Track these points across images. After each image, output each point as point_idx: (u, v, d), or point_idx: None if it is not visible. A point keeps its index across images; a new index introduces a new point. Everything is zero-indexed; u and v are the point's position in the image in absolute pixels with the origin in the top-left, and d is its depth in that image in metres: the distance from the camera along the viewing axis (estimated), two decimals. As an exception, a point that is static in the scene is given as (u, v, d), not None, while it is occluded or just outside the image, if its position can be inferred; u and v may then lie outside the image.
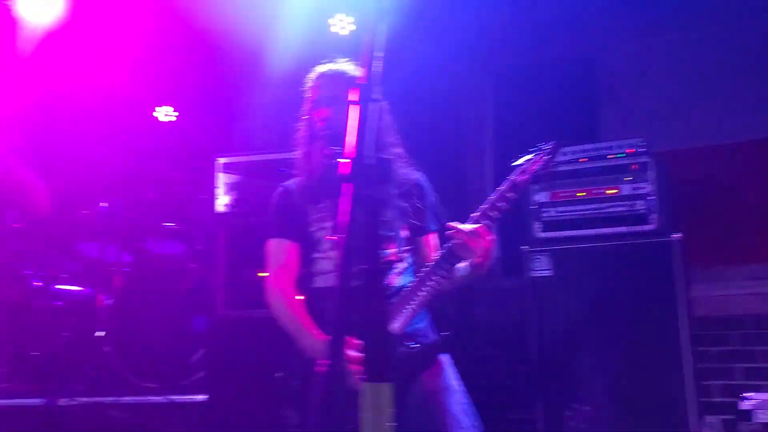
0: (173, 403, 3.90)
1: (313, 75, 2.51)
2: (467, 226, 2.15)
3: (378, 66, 1.35)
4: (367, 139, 1.28)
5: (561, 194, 3.61)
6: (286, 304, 2.33)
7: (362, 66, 1.34)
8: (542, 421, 3.42)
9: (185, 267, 4.71)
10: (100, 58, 5.25)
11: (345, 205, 1.24)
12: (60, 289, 4.93)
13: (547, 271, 3.54)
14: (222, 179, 3.87)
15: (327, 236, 2.34)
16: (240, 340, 3.64)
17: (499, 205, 2.19)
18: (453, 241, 2.16)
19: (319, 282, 2.37)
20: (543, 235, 3.61)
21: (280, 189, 2.51)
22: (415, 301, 2.20)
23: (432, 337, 2.34)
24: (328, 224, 2.37)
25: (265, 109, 5.44)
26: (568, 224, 3.57)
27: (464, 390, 2.35)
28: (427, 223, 2.47)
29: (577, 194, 3.58)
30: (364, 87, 1.37)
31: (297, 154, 2.51)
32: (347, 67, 2.49)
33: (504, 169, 2.32)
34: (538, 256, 3.57)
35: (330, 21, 4.88)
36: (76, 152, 4.87)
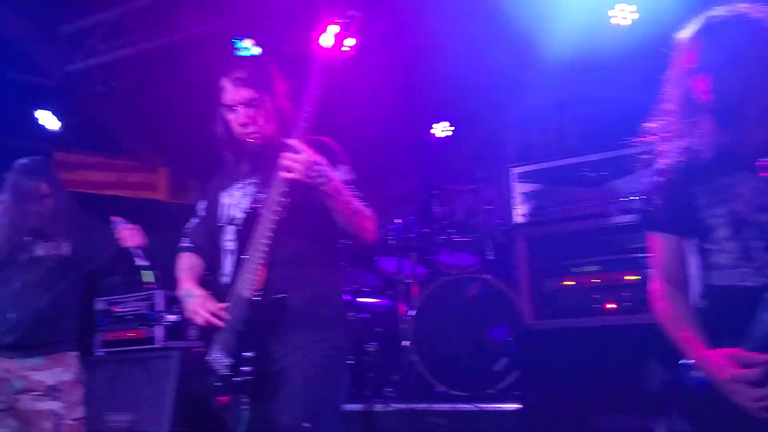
0: (483, 412, 3.97)
1: (693, 25, 2.04)
2: None
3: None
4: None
5: None
6: (671, 311, 2.08)
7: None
8: None
9: (478, 277, 4.78)
10: (383, 84, 5.59)
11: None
12: (365, 301, 5.32)
13: None
14: (518, 189, 3.86)
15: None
16: (550, 349, 3.59)
17: None
18: None
19: (715, 279, 2.05)
20: None
21: (660, 174, 2.15)
22: None
23: None
24: (721, 211, 2.02)
25: (542, 113, 5.36)
26: None
27: None
28: None
29: None
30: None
31: (665, 129, 2.12)
32: (748, 9, 1.94)
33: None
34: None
35: (610, 12, 4.65)
36: (370, 175, 5.22)
